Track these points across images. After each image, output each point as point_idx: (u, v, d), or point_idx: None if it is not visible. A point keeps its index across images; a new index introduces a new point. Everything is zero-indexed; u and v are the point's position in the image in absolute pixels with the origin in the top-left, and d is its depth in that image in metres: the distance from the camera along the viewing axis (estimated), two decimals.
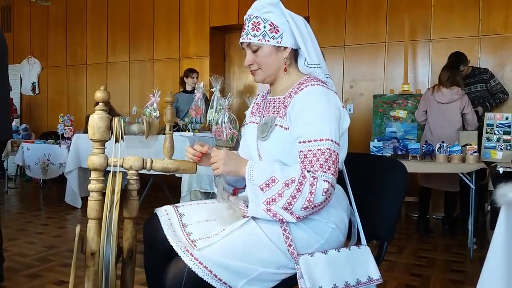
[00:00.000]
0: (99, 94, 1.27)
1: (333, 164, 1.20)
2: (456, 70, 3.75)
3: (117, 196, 1.16)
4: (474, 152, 3.11)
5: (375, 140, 3.36)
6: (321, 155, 1.19)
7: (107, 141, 1.29)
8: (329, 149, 1.20)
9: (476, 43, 4.47)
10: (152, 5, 6.24)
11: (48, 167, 4.86)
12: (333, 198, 1.25)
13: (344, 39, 5.02)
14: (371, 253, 1.30)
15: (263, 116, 1.39)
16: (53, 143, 4.90)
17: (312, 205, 1.17)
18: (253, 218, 1.24)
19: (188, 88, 5.14)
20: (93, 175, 1.27)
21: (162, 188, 4.84)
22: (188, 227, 1.28)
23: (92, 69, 6.84)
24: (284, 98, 1.33)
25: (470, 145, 3.21)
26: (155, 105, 3.93)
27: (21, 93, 7.46)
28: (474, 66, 4.18)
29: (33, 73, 7.38)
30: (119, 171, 1.28)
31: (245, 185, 1.43)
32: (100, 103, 1.28)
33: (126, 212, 1.31)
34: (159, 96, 4.22)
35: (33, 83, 7.39)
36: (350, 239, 1.41)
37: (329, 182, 1.18)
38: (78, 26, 6.91)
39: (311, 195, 1.16)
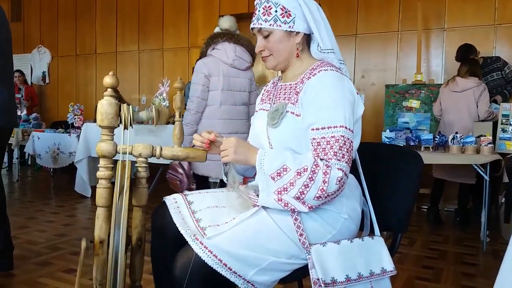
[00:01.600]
0: (108, 80, 1.24)
1: (347, 152, 1.16)
2: (474, 62, 3.67)
3: (127, 183, 1.13)
4: (488, 143, 3.04)
5: (387, 130, 3.30)
6: (335, 142, 1.15)
7: (115, 127, 1.27)
8: (343, 136, 1.16)
9: (491, 32, 4.36)
10: None
11: (58, 156, 4.88)
12: (345, 188, 1.21)
13: (356, 28, 4.94)
14: (385, 244, 1.26)
15: (274, 103, 1.36)
16: (63, 132, 4.92)
17: (325, 194, 1.13)
18: (264, 207, 1.22)
19: None
20: (102, 162, 1.25)
21: None
22: (197, 213, 1.25)
23: (102, 58, 6.84)
24: (296, 84, 1.29)
25: (485, 136, 3.15)
26: (164, 94, 3.92)
27: (31, 83, 7.49)
28: (484, 56, 4.09)
29: (43, 63, 7.41)
30: (128, 159, 1.26)
31: (255, 174, 1.41)
32: (109, 89, 1.26)
33: (135, 200, 1.29)
34: (168, 85, 4.21)
35: (44, 72, 7.42)
36: (362, 230, 1.38)
37: (343, 171, 1.14)
38: (87, 15, 6.90)
39: (324, 183, 1.12)
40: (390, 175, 1.43)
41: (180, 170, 2.56)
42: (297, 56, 1.32)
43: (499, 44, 4.34)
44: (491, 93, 3.95)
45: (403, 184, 1.38)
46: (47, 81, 7.43)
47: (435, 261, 2.76)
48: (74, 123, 4.99)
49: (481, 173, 2.97)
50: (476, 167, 2.97)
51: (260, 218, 1.21)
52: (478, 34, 4.37)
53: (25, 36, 7.59)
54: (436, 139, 3.27)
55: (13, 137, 5.33)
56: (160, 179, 4.57)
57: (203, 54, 2.83)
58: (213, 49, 2.77)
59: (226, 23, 2.88)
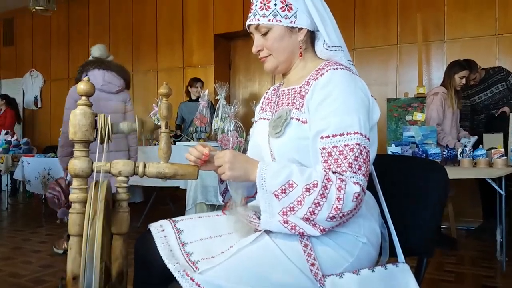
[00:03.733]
0: (82, 86, 1.07)
1: (364, 163, 0.98)
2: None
3: (100, 205, 0.94)
4: (501, 155, 2.87)
5: (393, 145, 3.13)
6: (349, 152, 0.97)
7: (91, 142, 1.09)
8: (358, 144, 0.98)
9: (493, 42, 4.24)
10: (155, 14, 6.11)
11: (48, 181, 4.66)
12: (362, 206, 1.03)
13: (354, 43, 4.82)
14: (411, 272, 1.07)
15: (276, 111, 1.18)
16: (53, 157, 4.72)
17: (340, 214, 0.94)
18: (267, 231, 1.03)
19: (193, 97, 4.99)
20: (75, 182, 1.07)
21: (167, 202, 4.64)
22: (188, 246, 1.06)
23: None
24: (300, 87, 1.12)
25: (496, 148, 2.97)
26: (158, 115, 3.73)
27: (23, 107, 7.33)
28: (487, 68, 3.96)
29: (35, 87, 7.26)
30: (106, 178, 1.07)
31: (256, 192, 1.22)
32: (83, 97, 1.08)
33: (115, 227, 1.10)
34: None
35: (36, 96, 7.27)
36: (380, 255, 1.19)
37: (360, 185, 0.96)
38: (80, 38, 6.79)
39: (338, 201, 0.94)
40: (411, 190, 1.24)
41: (58, 188, 2.83)
42: (301, 56, 1.15)
43: (502, 54, 4.22)
44: (498, 105, 3.81)
45: (427, 200, 1.19)
46: (39, 105, 7.26)
47: (452, 285, 2.53)
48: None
49: (496, 187, 2.78)
50: (490, 181, 2.79)
51: (263, 245, 1.01)
52: (480, 44, 4.25)
53: (17, 60, 7.47)
54: (444, 153, 3.10)
55: (2, 163, 5.14)
56: (154, 204, 4.35)
57: (77, 80, 3.07)
58: (85, 75, 2.99)
59: (97, 51, 3.18)
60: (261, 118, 1.25)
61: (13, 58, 7.49)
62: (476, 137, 3.53)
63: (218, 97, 4.14)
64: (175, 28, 5.96)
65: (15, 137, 5.89)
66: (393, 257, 1.20)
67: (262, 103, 1.30)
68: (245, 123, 4.16)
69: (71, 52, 6.92)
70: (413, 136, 3.19)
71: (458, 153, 3.04)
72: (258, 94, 5.70)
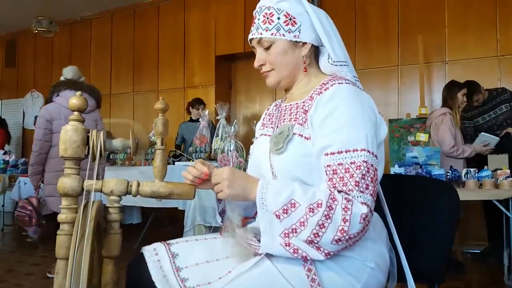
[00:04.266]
0: (74, 101, 1.02)
1: (372, 182, 0.92)
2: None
3: (90, 225, 0.88)
4: (507, 176, 2.80)
5: (396, 165, 3.06)
6: (356, 170, 0.91)
7: (82, 159, 1.03)
8: (365, 162, 0.92)
9: (495, 63, 4.23)
10: (157, 36, 6.14)
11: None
12: (370, 228, 0.96)
13: (355, 63, 4.72)
14: None
15: (277, 127, 1.13)
16: None
17: (347, 237, 0.88)
18: (268, 255, 0.96)
19: (194, 117, 4.96)
20: (64, 202, 1.00)
21: (165, 223, 4.55)
22: (183, 271, 0.99)
23: None
24: (303, 102, 1.07)
25: (501, 169, 2.91)
26: (154, 131, 3.70)
27: (23, 127, 7.31)
28: (489, 89, 3.93)
29: (36, 107, 7.24)
30: (98, 198, 1.01)
31: (256, 213, 1.15)
32: (75, 112, 1.03)
33: (105, 250, 1.03)
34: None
35: (36, 116, 7.24)
36: (387, 280, 1.11)
37: (367, 206, 0.89)
38: (82, 59, 6.81)
39: (344, 222, 0.87)
40: (421, 211, 1.18)
41: (29, 207, 2.95)
42: (305, 70, 1.11)
43: (504, 75, 4.20)
44: (502, 126, 3.76)
45: (439, 221, 1.12)
46: None
47: None
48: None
49: (503, 209, 2.71)
50: (496, 203, 2.71)
51: (263, 270, 0.95)
52: (481, 66, 4.23)
53: (18, 81, 7.48)
54: (448, 174, 3.03)
55: None
56: (152, 225, 4.25)
57: (48, 100, 3.29)
58: (57, 95, 3.21)
59: (69, 73, 3.33)
60: (262, 135, 1.20)
61: (14, 79, 7.51)
62: (498, 138, 3.47)
63: (218, 117, 4.11)
64: (177, 49, 5.98)
65: (13, 157, 5.84)
66: (400, 283, 1.13)
67: (263, 119, 1.25)
68: (246, 143, 4.12)
69: None
70: (416, 157, 3.13)
71: (463, 174, 2.98)
72: (258, 114, 5.67)
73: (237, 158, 3.64)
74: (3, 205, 5.43)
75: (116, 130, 5.02)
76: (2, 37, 7.61)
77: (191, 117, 5.06)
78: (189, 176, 1.07)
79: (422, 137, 3.39)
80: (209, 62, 5.74)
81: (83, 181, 1.01)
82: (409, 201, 1.19)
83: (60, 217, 1.00)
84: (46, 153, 3.11)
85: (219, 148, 4.00)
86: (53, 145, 3.09)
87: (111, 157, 4.87)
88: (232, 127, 3.94)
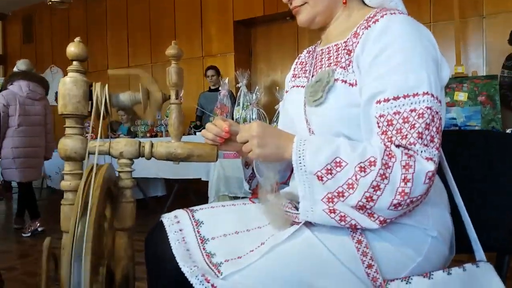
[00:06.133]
0: (72, 49, 0.86)
1: (437, 133, 0.74)
2: None
3: (95, 192, 0.73)
4: None
5: None
6: (418, 118, 0.73)
7: (86, 116, 0.88)
8: (429, 108, 0.73)
9: None
10: (173, 4, 5.93)
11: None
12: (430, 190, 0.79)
13: None
14: (496, 273, 0.82)
15: (313, 76, 0.95)
16: None
17: (408, 200, 0.71)
18: (307, 224, 0.80)
19: (211, 86, 4.81)
20: (67, 167, 0.86)
21: (189, 195, 4.47)
22: (209, 243, 0.84)
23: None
24: (345, 42, 0.88)
25: None
26: (167, 81, 3.55)
27: None
28: None
29: (55, 82, 7.18)
30: (105, 160, 0.87)
31: (290, 177, 0.99)
32: (74, 62, 0.87)
33: (117, 221, 0.89)
34: (181, 96, 3.88)
35: (56, 93, 7.21)
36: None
37: (434, 162, 0.72)
38: (98, 31, 6.69)
39: (406, 183, 0.70)
40: (487, 172, 0.99)
41: None
42: (345, 3, 0.91)
43: None
44: None
45: (507, 184, 0.94)
46: None
47: None
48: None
49: None
50: None
51: (303, 241, 0.79)
52: None
53: (37, 57, 7.44)
54: None
55: None
56: (176, 199, 4.16)
57: (3, 88, 3.69)
58: (11, 84, 3.61)
59: (23, 65, 3.74)
60: (294, 86, 1.01)
61: (33, 55, 7.46)
62: None
63: (239, 85, 3.94)
64: (194, 17, 5.76)
65: None
66: (459, 254, 0.96)
67: (294, 70, 1.07)
68: (268, 111, 3.95)
69: (90, 46, 6.79)
70: (454, 118, 2.90)
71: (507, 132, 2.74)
72: (280, 82, 5.45)
73: (257, 120, 3.48)
74: None
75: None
76: (18, 13, 7.54)
77: (210, 87, 4.92)
78: (209, 134, 0.92)
79: (461, 96, 3.13)
80: (227, 29, 5.51)
81: (88, 142, 0.86)
82: (472, 160, 1.00)
83: (63, 184, 0.86)
84: (4, 133, 3.53)
85: (240, 117, 3.85)
86: (9, 126, 3.53)
87: (131, 129, 4.79)
88: (254, 94, 3.76)
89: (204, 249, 0.82)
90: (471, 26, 4.18)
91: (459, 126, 2.89)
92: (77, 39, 0.87)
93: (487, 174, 0.98)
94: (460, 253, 0.94)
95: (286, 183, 1.02)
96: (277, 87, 4.09)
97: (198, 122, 4.70)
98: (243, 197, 2.82)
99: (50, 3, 5.35)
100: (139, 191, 4.49)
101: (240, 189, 2.94)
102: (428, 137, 0.72)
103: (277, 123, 3.59)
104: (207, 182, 3.19)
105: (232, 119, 4.01)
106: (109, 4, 6.60)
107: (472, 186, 0.98)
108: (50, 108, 3.91)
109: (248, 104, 3.84)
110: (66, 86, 0.84)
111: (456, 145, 1.00)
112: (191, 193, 4.35)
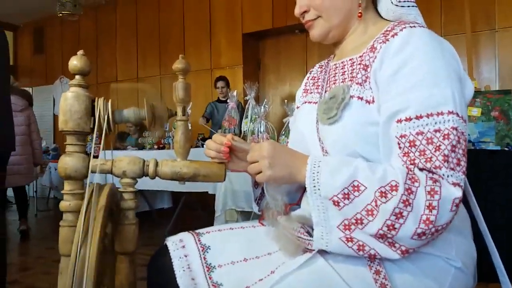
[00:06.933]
0: (74, 62, 0.83)
1: (463, 155, 0.69)
2: None
3: (98, 215, 0.69)
4: None
5: None
6: (443, 140, 0.68)
7: (88, 133, 0.84)
8: (455, 129, 0.68)
9: None
10: (182, 17, 5.96)
11: None
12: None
13: None
14: None
15: (326, 92, 0.90)
16: None
17: (433, 229, 0.65)
18: (321, 252, 0.74)
19: (221, 97, 4.81)
20: (67, 186, 0.82)
21: (197, 207, 4.42)
22: (215, 271, 0.78)
23: None
24: (361, 56, 0.83)
25: None
26: (174, 97, 3.53)
27: (54, 114, 7.34)
28: None
29: None
30: (106, 181, 0.82)
31: (301, 198, 0.94)
32: (77, 76, 0.84)
33: (119, 245, 0.84)
34: (190, 109, 3.85)
35: None
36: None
37: (461, 187, 0.66)
38: (108, 42, 6.74)
39: (431, 210, 0.64)
40: (507, 193, 0.93)
41: None
42: (360, 16, 0.87)
43: None
44: None
45: None
46: None
47: None
48: (94, 152, 4.65)
49: None
50: None
51: (316, 271, 0.73)
52: None
53: (47, 68, 7.51)
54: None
55: None
56: (182, 212, 4.11)
57: None
58: None
59: None
60: (305, 102, 0.97)
61: (43, 66, 7.53)
62: None
63: (247, 98, 3.91)
64: (202, 29, 5.78)
65: (44, 143, 5.85)
66: (481, 282, 0.89)
67: (306, 85, 1.02)
68: (276, 125, 3.90)
69: (99, 57, 6.86)
70: (468, 134, 2.82)
71: None
72: (289, 95, 5.41)
73: (268, 139, 3.43)
74: (35, 191, 5.45)
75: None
76: (29, 24, 7.63)
77: (218, 97, 4.92)
78: (211, 152, 0.87)
79: (475, 111, 3.05)
80: (236, 41, 5.50)
81: (90, 161, 0.82)
82: (495, 182, 0.94)
83: (63, 205, 0.81)
84: None
85: (248, 130, 3.81)
86: None
87: (139, 141, 4.76)
88: (262, 107, 3.72)
89: (210, 278, 0.76)
90: (483, 39, 4.12)
91: (472, 142, 2.82)
92: (80, 52, 0.83)
93: (505, 194, 0.92)
94: (481, 281, 0.88)
95: (297, 204, 0.97)
96: (286, 100, 4.05)
97: (204, 120, 4.67)
98: (251, 212, 2.76)
99: (60, 15, 5.40)
100: (145, 202, 4.45)
101: (247, 203, 2.88)
102: (455, 160, 0.67)
103: (285, 136, 3.53)
104: (213, 195, 3.14)
105: (240, 131, 3.97)
106: (119, 16, 6.66)
107: (494, 209, 0.92)
108: (34, 117, 4.20)
109: (256, 116, 3.81)
110: (68, 102, 0.80)
111: (474, 165, 0.94)
112: (199, 207, 4.30)
